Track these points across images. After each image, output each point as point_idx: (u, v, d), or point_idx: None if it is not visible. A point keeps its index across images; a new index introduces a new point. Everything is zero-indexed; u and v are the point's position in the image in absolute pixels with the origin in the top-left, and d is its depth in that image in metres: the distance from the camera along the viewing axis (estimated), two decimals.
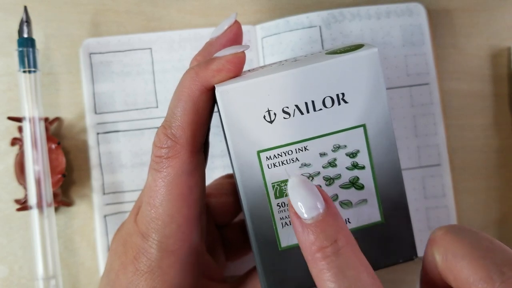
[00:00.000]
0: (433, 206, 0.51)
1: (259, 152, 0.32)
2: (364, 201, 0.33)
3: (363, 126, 0.32)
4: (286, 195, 0.33)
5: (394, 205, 0.33)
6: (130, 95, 0.52)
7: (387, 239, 0.34)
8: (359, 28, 0.52)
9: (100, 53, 0.52)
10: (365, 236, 0.34)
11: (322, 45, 0.51)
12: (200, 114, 0.34)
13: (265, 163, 0.32)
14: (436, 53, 0.52)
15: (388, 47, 0.52)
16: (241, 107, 0.32)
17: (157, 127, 0.49)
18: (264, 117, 0.32)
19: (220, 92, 0.32)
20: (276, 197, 0.33)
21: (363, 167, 0.33)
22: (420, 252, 0.50)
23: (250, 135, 0.32)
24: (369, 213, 0.33)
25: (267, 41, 0.52)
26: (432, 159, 0.51)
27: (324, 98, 0.32)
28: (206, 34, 0.52)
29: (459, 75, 0.53)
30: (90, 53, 0.52)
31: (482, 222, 0.52)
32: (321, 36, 0.51)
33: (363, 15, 0.52)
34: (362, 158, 0.33)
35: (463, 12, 0.53)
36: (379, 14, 0.52)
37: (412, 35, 0.52)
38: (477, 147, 0.52)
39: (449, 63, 0.53)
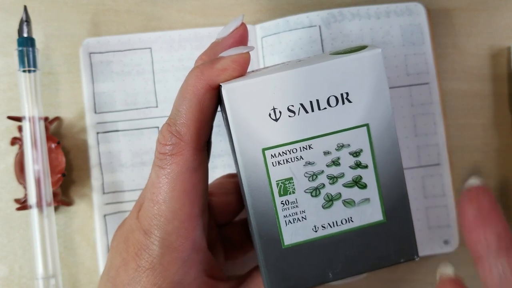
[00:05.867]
0: (433, 205, 0.51)
1: (264, 150, 0.32)
2: (367, 200, 0.33)
3: (367, 125, 0.33)
4: (290, 193, 0.33)
5: (396, 204, 0.34)
6: (130, 94, 0.52)
7: (389, 239, 0.34)
8: (358, 28, 0.52)
9: (100, 52, 0.52)
10: (367, 235, 0.34)
11: (322, 45, 0.51)
12: (205, 112, 0.34)
13: (270, 161, 0.32)
14: (436, 52, 0.52)
15: (388, 47, 0.52)
16: (246, 105, 0.32)
17: (157, 127, 0.50)
18: (270, 115, 0.32)
19: (227, 90, 0.32)
20: (280, 195, 0.33)
21: (366, 166, 0.33)
22: (421, 252, 0.51)
23: (256, 133, 0.32)
24: (371, 212, 0.34)
25: (266, 41, 0.52)
26: (432, 159, 0.51)
27: (329, 97, 0.32)
28: (206, 34, 0.52)
29: (459, 75, 0.53)
30: (90, 53, 0.52)
31: None
32: (321, 35, 0.51)
33: (362, 15, 0.52)
34: (365, 157, 0.33)
35: (463, 12, 0.53)
36: (379, 14, 0.52)
37: (412, 35, 0.52)
38: (477, 147, 0.52)
39: (449, 63, 0.53)
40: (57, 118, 0.52)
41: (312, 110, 0.32)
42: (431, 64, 0.52)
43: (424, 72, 0.52)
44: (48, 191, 0.48)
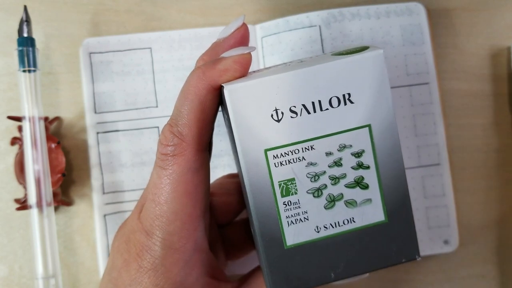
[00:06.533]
0: (433, 205, 0.51)
1: (266, 150, 0.32)
2: (369, 200, 0.33)
3: (368, 126, 0.33)
4: (293, 194, 0.33)
5: (398, 205, 0.34)
6: (130, 94, 0.52)
7: (390, 239, 0.34)
8: (358, 28, 0.52)
9: (100, 52, 0.52)
10: (369, 236, 0.34)
11: (322, 45, 0.51)
12: (207, 112, 0.34)
13: (272, 161, 0.32)
14: (436, 52, 0.52)
15: (388, 47, 0.52)
16: (249, 106, 0.32)
17: (157, 127, 0.50)
18: (272, 116, 0.32)
19: (229, 90, 0.32)
20: (282, 196, 0.33)
21: (368, 167, 0.33)
22: (421, 252, 0.51)
23: (258, 133, 0.32)
24: (373, 212, 0.34)
25: (266, 41, 0.52)
26: (432, 159, 0.51)
27: (331, 98, 0.32)
28: (206, 34, 0.52)
29: (459, 75, 0.53)
30: (90, 53, 0.52)
31: (481, 221, 0.52)
32: (320, 35, 0.51)
33: (362, 15, 0.52)
34: (367, 158, 0.33)
35: (463, 11, 0.53)
36: (379, 14, 0.52)
37: (412, 35, 0.52)
38: (477, 147, 0.52)
39: (449, 63, 0.53)
40: (57, 118, 0.52)
41: (314, 111, 0.32)
42: (431, 64, 0.52)
43: (424, 72, 0.52)
44: (48, 191, 0.48)
